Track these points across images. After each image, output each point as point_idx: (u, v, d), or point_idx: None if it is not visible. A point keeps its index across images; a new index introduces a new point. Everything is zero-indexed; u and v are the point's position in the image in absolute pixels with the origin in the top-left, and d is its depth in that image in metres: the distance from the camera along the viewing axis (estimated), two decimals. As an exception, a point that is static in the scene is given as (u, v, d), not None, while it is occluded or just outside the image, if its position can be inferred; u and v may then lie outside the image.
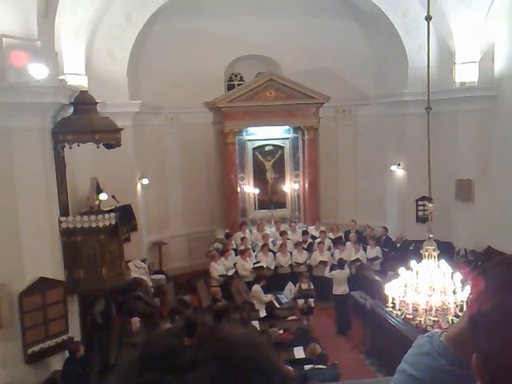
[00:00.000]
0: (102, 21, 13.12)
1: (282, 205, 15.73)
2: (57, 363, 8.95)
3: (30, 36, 8.49)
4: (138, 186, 14.57)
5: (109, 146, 9.95)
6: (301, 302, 12.03)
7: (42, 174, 8.80)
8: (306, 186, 15.46)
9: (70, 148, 9.52)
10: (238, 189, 15.21)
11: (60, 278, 9.12)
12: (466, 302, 1.04)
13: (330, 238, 14.65)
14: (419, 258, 7.39)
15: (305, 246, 14.24)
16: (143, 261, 13.67)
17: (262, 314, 11.82)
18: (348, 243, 14.22)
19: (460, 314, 6.57)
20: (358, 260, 13.69)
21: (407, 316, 7.24)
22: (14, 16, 8.31)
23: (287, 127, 15.42)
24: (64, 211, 9.69)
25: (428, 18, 7.83)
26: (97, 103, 9.88)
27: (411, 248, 13.01)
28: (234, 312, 10.74)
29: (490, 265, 1.00)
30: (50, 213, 9.02)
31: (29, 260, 8.59)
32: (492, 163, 13.70)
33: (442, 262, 7.26)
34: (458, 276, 7.05)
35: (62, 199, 9.61)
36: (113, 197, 12.29)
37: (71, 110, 9.58)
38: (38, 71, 8.30)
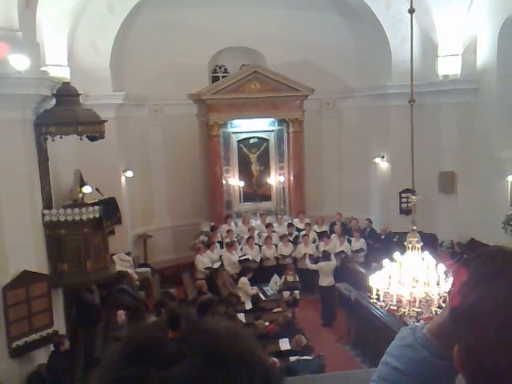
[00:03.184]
0: (84, 12, 12.96)
1: (267, 197, 15.75)
2: (41, 357, 8.90)
3: (11, 27, 8.36)
4: (122, 179, 14.48)
5: (92, 138, 9.86)
6: (286, 294, 12.08)
7: (24, 166, 8.71)
8: (291, 178, 15.50)
9: (53, 140, 9.42)
10: (223, 181, 15.19)
11: (44, 271, 9.06)
12: (448, 294, 1.06)
13: (315, 231, 14.72)
14: (403, 249, 7.46)
15: (290, 238, 14.29)
16: (128, 254, 13.61)
17: (248, 306, 11.85)
18: (333, 235, 14.30)
19: (443, 305, 6.65)
20: (342, 252, 13.78)
21: (391, 307, 7.31)
22: (-5, 6, 8.18)
23: (272, 120, 15.42)
24: (47, 204, 9.60)
25: (411, 11, 7.86)
26: (79, 95, 9.78)
27: (395, 240, 13.13)
28: (219, 305, 10.77)
29: (472, 257, 1.02)
30: (33, 206, 8.94)
31: (12, 253, 8.51)
32: (474, 156, 13.84)
33: (426, 253, 7.33)
34: (442, 267, 7.13)
35: (45, 192, 9.52)
36: (96, 189, 12.19)
37: (53, 101, 9.48)
38: (20, 62, 8.19)
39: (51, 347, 8.83)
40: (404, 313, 7.11)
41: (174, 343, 0.89)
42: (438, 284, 7.02)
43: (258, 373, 0.90)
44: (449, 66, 13.65)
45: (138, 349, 0.89)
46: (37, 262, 8.91)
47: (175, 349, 0.88)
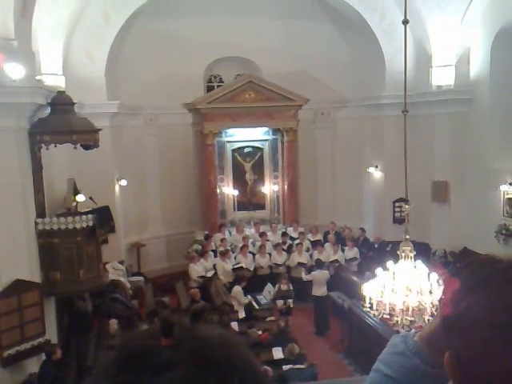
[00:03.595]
0: (79, 21, 13.00)
1: (261, 206, 15.76)
2: (33, 366, 8.83)
3: (7, 36, 8.38)
4: (116, 187, 14.46)
5: (86, 147, 9.86)
6: (280, 302, 12.06)
7: (17, 174, 8.69)
8: (285, 187, 15.52)
9: (47, 149, 9.41)
10: (218, 190, 15.20)
11: (36, 280, 9.01)
12: (439, 302, 1.07)
13: (308, 240, 14.73)
14: (396, 258, 7.47)
15: (284, 247, 14.29)
16: (121, 262, 13.57)
17: (241, 315, 11.82)
18: (327, 244, 14.32)
19: (436, 313, 6.66)
20: (336, 261, 13.79)
21: (384, 316, 7.31)
22: (-10, 15, 8.20)
23: (266, 129, 15.47)
24: (40, 213, 9.57)
25: (405, 22, 7.94)
26: (74, 103, 9.79)
27: (388, 249, 13.15)
28: (212, 313, 10.73)
29: (463, 266, 1.03)
30: (26, 214, 8.91)
31: (4, 262, 8.46)
32: (467, 165, 13.91)
33: (419, 262, 7.35)
34: (434, 276, 7.15)
35: (38, 200, 9.49)
36: (90, 198, 12.17)
37: (48, 110, 9.48)
38: (15, 71, 8.21)
39: (43, 356, 8.77)
40: (397, 321, 7.11)
41: (166, 350, 0.89)
42: (430, 293, 7.03)
43: (250, 380, 0.90)
44: (442, 77, 13.76)
45: (130, 356, 0.89)
46: (29, 270, 8.87)
47: (168, 356, 0.88)
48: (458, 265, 1.06)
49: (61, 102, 9.46)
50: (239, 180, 15.55)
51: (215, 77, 17.04)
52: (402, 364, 1.15)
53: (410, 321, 7.04)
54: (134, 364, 0.87)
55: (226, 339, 0.94)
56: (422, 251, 11.28)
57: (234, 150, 15.49)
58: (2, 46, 8.24)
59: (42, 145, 9.32)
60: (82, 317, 10.59)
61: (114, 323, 10.19)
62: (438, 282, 7.08)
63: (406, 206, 7.92)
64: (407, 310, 7.02)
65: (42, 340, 8.95)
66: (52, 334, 9.53)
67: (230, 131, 15.17)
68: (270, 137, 15.62)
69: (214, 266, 13.31)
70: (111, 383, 0.87)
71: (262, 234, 14.49)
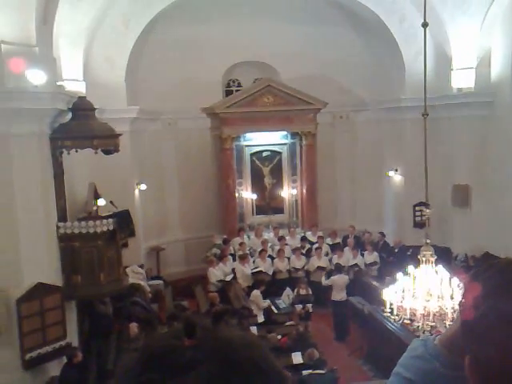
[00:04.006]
0: (99, 27, 13.15)
1: (279, 210, 15.74)
2: (54, 369, 8.92)
3: (29, 42, 8.52)
4: (136, 192, 14.57)
5: (107, 152, 9.95)
6: (299, 307, 12.02)
7: (40, 179, 8.81)
8: (304, 191, 15.49)
9: (68, 154, 9.53)
10: (236, 194, 15.23)
11: (58, 283, 9.11)
12: (459, 305, 1.07)
13: (328, 244, 14.67)
14: (417, 263, 7.41)
15: (303, 251, 14.25)
16: (141, 266, 13.65)
17: (260, 319, 11.81)
18: (346, 248, 14.24)
19: (457, 319, 6.57)
20: (356, 265, 13.70)
21: (405, 321, 7.26)
22: (13, 22, 8.34)
23: (285, 133, 15.46)
24: (62, 217, 9.68)
25: (425, 25, 7.90)
26: (95, 109, 9.89)
27: (409, 253, 13.03)
28: (232, 317, 10.74)
29: (482, 270, 1.02)
30: (48, 218, 9.02)
31: (27, 266, 8.58)
32: (489, 169, 13.73)
33: (440, 267, 7.28)
34: (456, 281, 7.07)
35: (60, 205, 9.61)
36: (111, 202, 12.29)
37: (69, 115, 9.59)
38: (37, 77, 8.33)
39: (64, 359, 8.86)
40: (418, 327, 7.04)
41: (189, 351, 0.91)
42: (451, 298, 6.96)
43: (273, 381, 0.91)
44: (463, 79, 13.62)
45: (154, 356, 0.91)
46: (51, 274, 8.97)
47: (191, 356, 0.89)
48: (478, 268, 1.05)
49: (82, 108, 9.57)
50: (258, 184, 15.56)
51: (234, 81, 17.10)
52: (421, 367, 1.15)
53: (431, 326, 6.98)
54: (157, 363, 0.89)
55: (248, 340, 0.96)
56: (443, 256, 11.16)
57: (252, 154, 15.51)
58: (25, 53, 8.37)
59: (64, 150, 9.43)
60: (103, 320, 10.67)
61: (134, 327, 10.24)
62: (458, 286, 7.00)
63: (427, 210, 7.86)
64: (428, 315, 6.96)
65: (63, 343, 9.03)
66: (73, 337, 9.62)
67: (249, 135, 15.20)
68: (288, 141, 15.61)
69: (233, 270, 13.33)
70: (135, 382, 0.89)
71: (281, 238, 14.47)
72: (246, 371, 0.88)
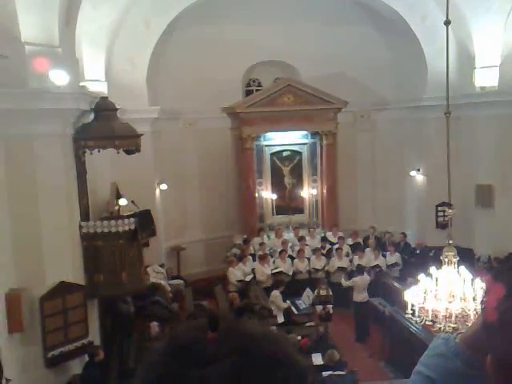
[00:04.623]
0: (121, 28, 13.28)
1: (299, 210, 15.71)
2: (76, 367, 9.03)
3: (52, 43, 8.63)
4: (157, 192, 14.68)
5: (129, 152, 10.04)
6: (319, 308, 11.97)
7: (63, 179, 8.91)
8: (324, 191, 15.43)
9: (91, 154, 9.64)
10: (256, 194, 15.24)
11: (80, 282, 9.20)
12: (480, 304, 1.05)
13: (348, 244, 14.58)
14: (439, 264, 7.32)
15: (323, 251, 14.19)
16: (161, 266, 13.75)
17: (280, 319, 11.79)
18: (367, 249, 14.13)
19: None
20: (377, 266, 13.59)
21: (427, 323, 7.18)
22: (36, 24, 8.45)
23: (305, 132, 15.43)
24: (85, 216, 9.79)
25: (447, 23, 7.79)
26: (117, 109, 9.97)
27: (431, 254, 12.88)
28: (251, 317, 10.75)
29: (504, 270, 1.01)
30: (70, 218, 9.13)
31: (50, 264, 8.68)
32: (513, 168, 13.51)
33: (462, 268, 7.18)
34: (478, 282, 6.97)
35: (82, 204, 9.72)
36: (132, 202, 12.39)
37: (92, 116, 9.69)
38: (60, 78, 8.43)
39: (86, 357, 8.95)
40: (440, 328, 6.95)
41: (212, 344, 0.92)
42: (474, 299, 6.86)
43: (295, 374, 0.92)
44: (486, 78, 13.43)
45: (178, 347, 0.93)
46: (73, 272, 9.06)
47: (214, 349, 0.91)
48: (500, 268, 1.03)
49: (104, 108, 9.66)
50: (278, 184, 15.55)
51: (254, 81, 17.11)
52: (442, 365, 1.14)
53: (453, 327, 6.88)
54: (181, 355, 0.91)
55: (271, 334, 0.98)
56: (466, 257, 11.01)
57: (272, 154, 15.50)
58: (48, 53, 8.48)
59: (86, 150, 9.54)
60: (124, 319, 10.77)
61: (154, 326, 10.33)
62: (481, 288, 6.90)
63: (450, 211, 7.75)
64: (450, 316, 6.87)
65: (86, 341, 9.13)
66: (95, 335, 9.72)
67: (269, 135, 15.20)
68: (308, 140, 15.57)
69: (253, 270, 13.33)
70: (159, 373, 0.91)
71: (301, 239, 14.43)
72: (268, 365, 0.89)
